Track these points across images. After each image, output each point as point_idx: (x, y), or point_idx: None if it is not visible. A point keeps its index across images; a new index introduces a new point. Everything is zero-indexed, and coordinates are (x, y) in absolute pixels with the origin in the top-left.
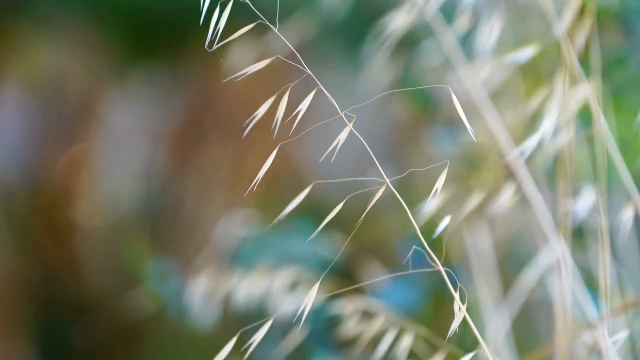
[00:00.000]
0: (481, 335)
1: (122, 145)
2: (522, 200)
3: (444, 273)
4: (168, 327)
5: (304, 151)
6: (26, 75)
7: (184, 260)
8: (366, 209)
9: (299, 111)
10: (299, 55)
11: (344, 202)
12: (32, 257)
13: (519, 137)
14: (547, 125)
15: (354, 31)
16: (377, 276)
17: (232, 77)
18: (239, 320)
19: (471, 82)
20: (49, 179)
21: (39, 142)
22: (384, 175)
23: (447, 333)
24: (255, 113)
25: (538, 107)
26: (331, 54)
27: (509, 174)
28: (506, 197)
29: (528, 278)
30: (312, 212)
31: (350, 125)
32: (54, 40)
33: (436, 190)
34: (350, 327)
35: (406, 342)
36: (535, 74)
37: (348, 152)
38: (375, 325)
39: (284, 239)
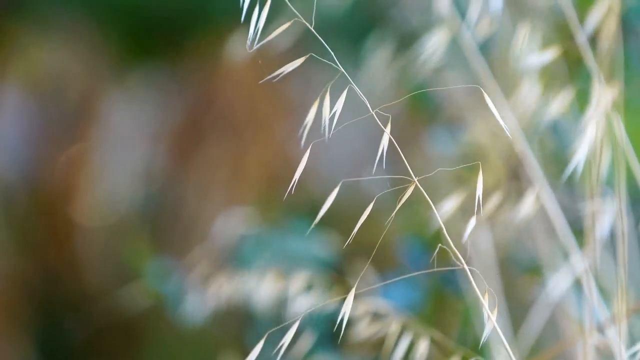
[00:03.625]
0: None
1: (122, 145)
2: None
3: (468, 272)
4: (167, 326)
5: (304, 152)
6: (26, 75)
7: (184, 259)
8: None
9: (335, 111)
10: (333, 54)
11: (373, 201)
12: (32, 257)
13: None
14: (589, 132)
15: (353, 30)
16: (375, 276)
17: (268, 77)
18: (236, 319)
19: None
20: (49, 179)
21: (39, 142)
22: (412, 174)
23: (448, 333)
24: (306, 121)
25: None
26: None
27: (511, 175)
28: (528, 204)
29: (549, 295)
30: (311, 212)
31: (387, 130)
32: (54, 40)
33: (479, 198)
34: (360, 329)
35: (423, 346)
36: (547, 76)
37: (345, 153)
38: (387, 327)
39: (282, 238)
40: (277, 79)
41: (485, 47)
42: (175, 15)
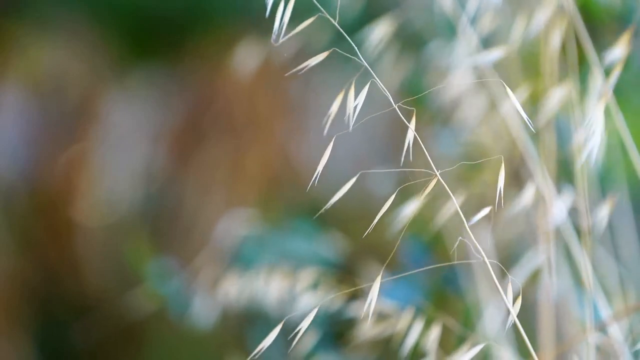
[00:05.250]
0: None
1: (122, 145)
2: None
3: (489, 264)
4: (169, 327)
5: (304, 151)
6: (26, 75)
7: (184, 260)
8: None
9: (357, 105)
10: (356, 49)
11: (395, 192)
12: (32, 257)
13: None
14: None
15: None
16: (377, 276)
17: (294, 70)
18: (240, 320)
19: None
20: (49, 179)
21: (39, 142)
22: (434, 167)
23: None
24: (330, 111)
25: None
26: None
27: (513, 176)
28: (527, 197)
29: (519, 277)
30: (312, 212)
31: (411, 125)
32: (54, 40)
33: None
34: (364, 328)
35: (435, 332)
36: (537, 72)
37: (346, 152)
38: (392, 326)
39: (284, 238)
40: (300, 72)
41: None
42: (175, 15)
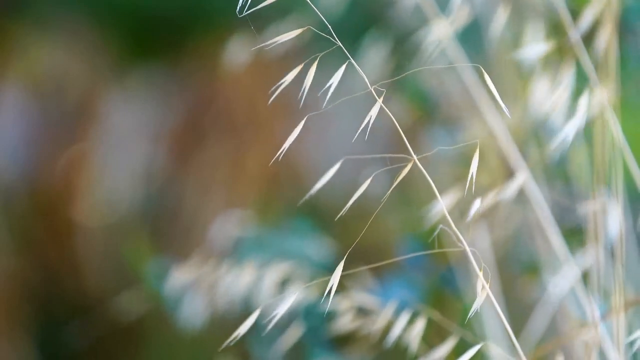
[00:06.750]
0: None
1: (122, 145)
2: (522, 199)
3: (469, 252)
4: (167, 327)
5: (302, 151)
6: (26, 75)
7: (183, 261)
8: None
9: (330, 84)
10: (330, 27)
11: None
12: (32, 257)
13: (520, 138)
14: (570, 125)
15: (351, 29)
16: (371, 277)
17: (264, 44)
18: (236, 319)
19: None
20: (49, 179)
21: (39, 142)
22: (412, 152)
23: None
24: (283, 80)
25: (540, 108)
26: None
27: (509, 174)
28: (510, 193)
29: (551, 297)
30: (310, 212)
31: (380, 100)
32: (54, 40)
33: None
34: (345, 323)
35: (419, 326)
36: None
37: (344, 151)
38: (376, 320)
39: (282, 238)
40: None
41: (478, 47)
42: (175, 15)
